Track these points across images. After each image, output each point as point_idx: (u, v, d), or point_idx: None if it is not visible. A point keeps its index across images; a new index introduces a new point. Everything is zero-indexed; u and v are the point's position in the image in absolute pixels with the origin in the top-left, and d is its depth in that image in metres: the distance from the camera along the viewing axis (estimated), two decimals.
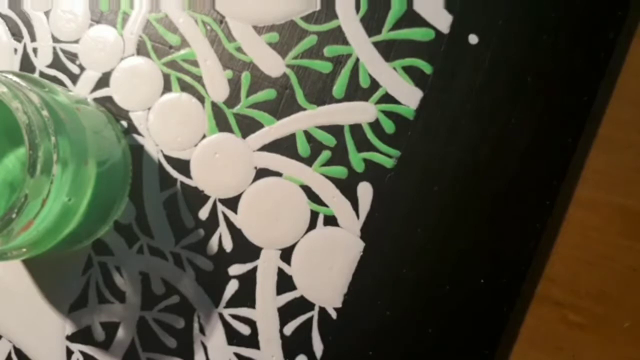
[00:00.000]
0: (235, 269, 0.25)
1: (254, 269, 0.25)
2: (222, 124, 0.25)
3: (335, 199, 0.24)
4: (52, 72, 0.27)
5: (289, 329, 0.24)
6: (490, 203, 0.23)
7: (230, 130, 0.25)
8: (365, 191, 0.24)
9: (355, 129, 0.24)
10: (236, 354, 0.25)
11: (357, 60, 0.24)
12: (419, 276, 0.23)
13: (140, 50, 0.26)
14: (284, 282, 0.24)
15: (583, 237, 0.23)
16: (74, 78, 0.27)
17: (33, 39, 0.27)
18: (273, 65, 0.25)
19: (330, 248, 0.24)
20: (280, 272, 0.24)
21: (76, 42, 0.27)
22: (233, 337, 0.25)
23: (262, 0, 0.25)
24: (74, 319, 0.26)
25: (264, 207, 0.25)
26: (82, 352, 0.26)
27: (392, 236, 0.24)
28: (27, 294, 0.26)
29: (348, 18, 0.25)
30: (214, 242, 0.25)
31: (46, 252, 0.22)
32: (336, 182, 0.24)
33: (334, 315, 0.24)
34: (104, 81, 0.26)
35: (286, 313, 0.24)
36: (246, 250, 0.25)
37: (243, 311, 0.25)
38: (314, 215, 0.24)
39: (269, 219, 0.25)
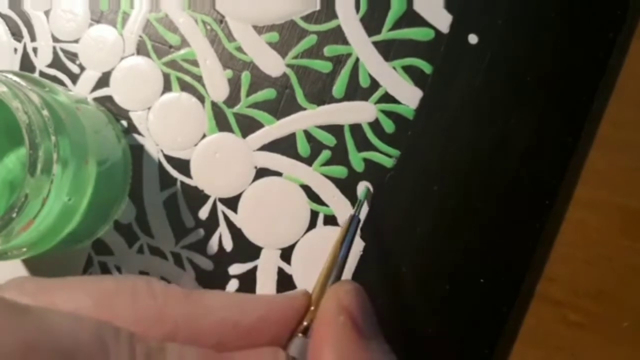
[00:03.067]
0: (235, 269, 0.25)
1: (254, 269, 0.25)
2: (222, 124, 0.25)
3: (335, 199, 0.24)
4: (52, 71, 0.27)
5: None
6: (490, 203, 0.23)
7: (230, 130, 0.25)
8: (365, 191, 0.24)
9: (355, 128, 0.24)
10: None
11: (357, 60, 0.24)
12: (418, 276, 0.23)
13: (140, 50, 0.26)
14: (284, 282, 0.24)
15: (583, 237, 0.23)
16: (74, 78, 0.27)
17: (33, 38, 0.27)
18: (273, 65, 0.25)
19: (330, 247, 0.24)
20: (280, 271, 0.24)
21: (76, 41, 0.27)
22: None
23: (262, 0, 0.25)
24: None
25: (264, 206, 0.25)
26: None
27: (392, 236, 0.24)
28: None
29: (348, 18, 0.25)
30: (214, 242, 0.25)
31: (46, 251, 0.22)
32: (336, 181, 0.24)
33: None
34: (104, 81, 0.26)
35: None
36: (246, 249, 0.25)
37: None
38: (314, 215, 0.24)
39: (269, 219, 0.25)
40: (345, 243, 0.21)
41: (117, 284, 0.17)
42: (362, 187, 0.24)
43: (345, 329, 0.16)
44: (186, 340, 0.16)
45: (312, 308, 0.18)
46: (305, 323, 0.17)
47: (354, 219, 0.22)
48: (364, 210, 0.24)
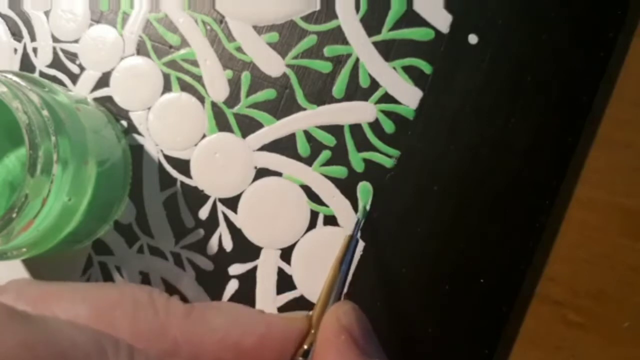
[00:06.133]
0: (235, 269, 0.25)
1: (254, 269, 0.25)
2: (222, 124, 0.25)
3: (335, 199, 0.24)
4: (52, 72, 0.27)
5: None
6: (490, 203, 0.23)
7: (230, 130, 0.25)
8: (365, 191, 0.24)
9: (355, 128, 0.24)
10: None
11: (357, 60, 0.24)
12: (418, 276, 0.23)
13: (140, 50, 0.26)
14: (284, 282, 0.24)
15: (583, 237, 0.23)
16: (74, 78, 0.27)
17: (33, 38, 0.27)
18: (273, 65, 0.25)
19: (330, 248, 0.24)
20: (280, 271, 0.24)
21: (76, 42, 0.27)
22: None
23: (262, 0, 0.25)
24: None
25: (264, 206, 0.25)
26: None
27: (392, 236, 0.24)
28: None
29: (348, 18, 0.25)
30: (214, 242, 0.25)
31: (46, 251, 0.22)
32: (336, 181, 0.24)
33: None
34: (104, 81, 0.26)
35: (286, 313, 0.24)
36: (246, 250, 0.25)
37: None
38: (314, 215, 0.24)
39: (269, 219, 0.25)
40: (344, 264, 0.20)
41: (119, 295, 0.17)
42: (363, 188, 0.24)
43: (346, 348, 0.16)
44: (186, 358, 0.16)
45: (313, 331, 0.18)
46: (305, 347, 0.17)
47: (352, 239, 0.21)
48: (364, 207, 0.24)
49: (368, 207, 0.24)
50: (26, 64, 0.27)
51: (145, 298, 0.17)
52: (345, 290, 0.24)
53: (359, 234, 0.22)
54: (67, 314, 0.16)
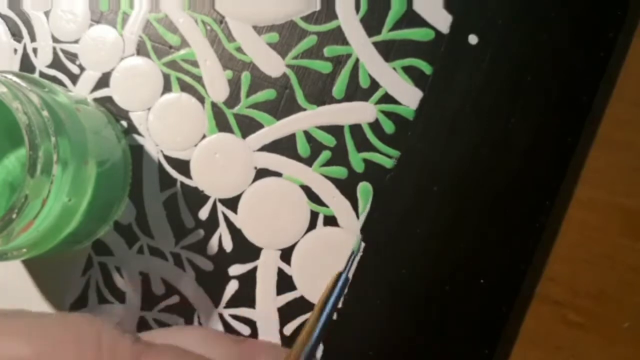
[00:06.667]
0: (235, 269, 0.25)
1: (254, 269, 0.25)
2: (222, 124, 0.25)
3: (335, 199, 0.24)
4: (52, 72, 0.27)
5: (289, 329, 0.24)
6: (490, 203, 0.23)
7: (230, 131, 0.25)
8: (365, 191, 0.24)
9: (355, 129, 0.24)
10: None
11: (357, 60, 0.24)
12: (418, 276, 0.23)
13: (140, 50, 0.26)
14: (284, 282, 0.24)
15: (583, 237, 0.23)
16: (74, 78, 0.27)
17: (33, 39, 0.27)
18: (273, 65, 0.25)
19: (330, 248, 0.24)
20: (280, 272, 0.24)
21: (76, 42, 0.27)
22: None
23: (262, 0, 0.25)
24: None
25: (264, 207, 0.25)
26: None
27: (392, 236, 0.24)
28: (27, 294, 0.26)
29: (348, 18, 0.25)
30: (214, 242, 0.25)
31: (46, 252, 0.22)
32: (336, 182, 0.24)
33: (334, 315, 0.24)
34: (103, 81, 0.26)
35: (286, 313, 0.24)
36: (246, 250, 0.25)
37: (243, 311, 0.25)
38: (314, 215, 0.24)
39: (269, 219, 0.25)
40: (330, 303, 0.19)
41: (63, 333, 0.16)
42: (363, 188, 0.24)
43: None
44: None
45: None
46: None
47: (341, 277, 0.19)
48: (364, 211, 0.24)
49: (361, 248, 0.23)
50: (26, 64, 0.27)
51: (92, 335, 0.16)
52: (345, 290, 0.24)
53: (350, 272, 0.20)
54: (9, 353, 0.16)
